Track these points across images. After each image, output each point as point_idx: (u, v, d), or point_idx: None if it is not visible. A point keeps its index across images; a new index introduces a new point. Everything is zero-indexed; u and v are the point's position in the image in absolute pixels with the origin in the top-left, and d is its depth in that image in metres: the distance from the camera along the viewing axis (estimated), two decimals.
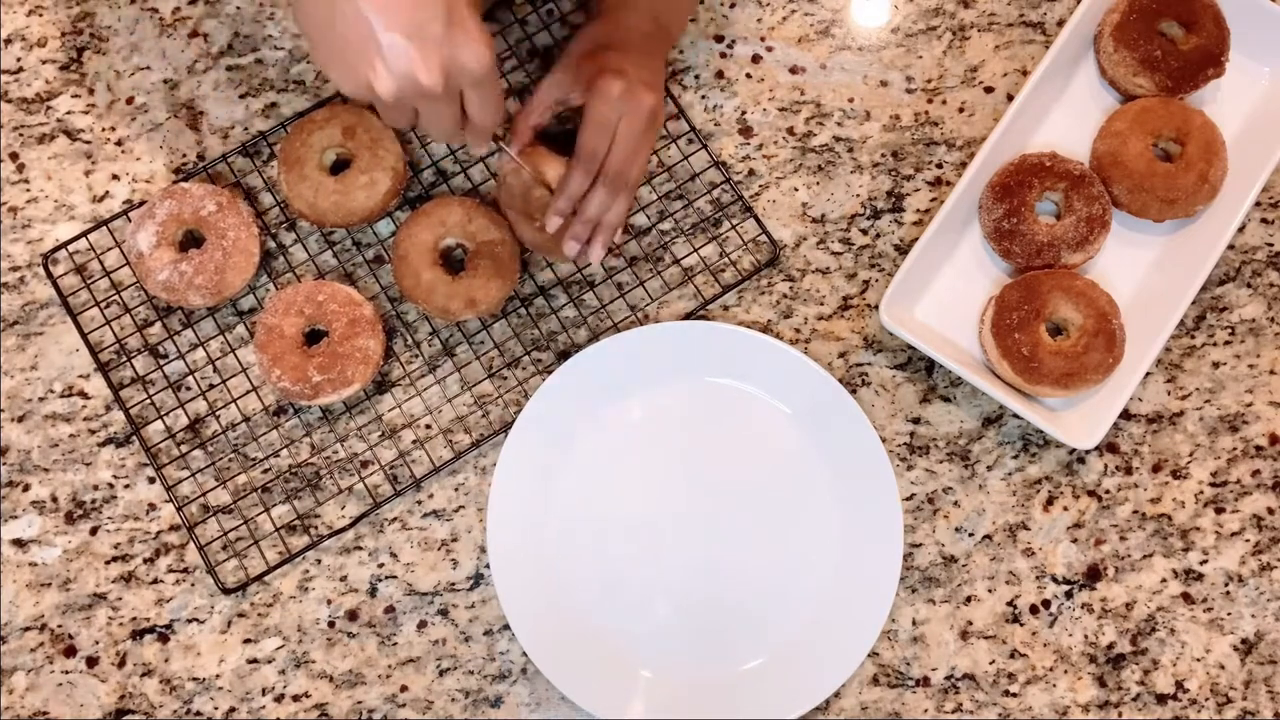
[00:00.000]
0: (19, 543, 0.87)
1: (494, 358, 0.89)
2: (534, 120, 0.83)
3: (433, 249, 0.86)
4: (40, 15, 0.94)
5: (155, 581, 0.86)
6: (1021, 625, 0.86)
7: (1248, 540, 0.87)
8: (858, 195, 0.92)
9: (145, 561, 0.87)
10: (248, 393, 0.88)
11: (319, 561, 0.87)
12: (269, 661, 0.86)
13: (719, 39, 0.94)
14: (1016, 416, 0.88)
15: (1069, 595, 0.87)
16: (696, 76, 0.93)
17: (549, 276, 0.90)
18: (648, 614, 0.86)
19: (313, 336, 0.87)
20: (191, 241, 0.88)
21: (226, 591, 0.85)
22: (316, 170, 0.87)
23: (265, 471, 0.88)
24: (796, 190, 0.92)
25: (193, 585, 0.86)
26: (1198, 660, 0.86)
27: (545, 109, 0.83)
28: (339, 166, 0.89)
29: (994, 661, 0.86)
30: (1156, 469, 0.88)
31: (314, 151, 0.87)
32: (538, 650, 0.84)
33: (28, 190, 0.91)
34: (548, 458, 0.87)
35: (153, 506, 0.87)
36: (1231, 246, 0.91)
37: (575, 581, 0.86)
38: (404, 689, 0.85)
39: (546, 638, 0.84)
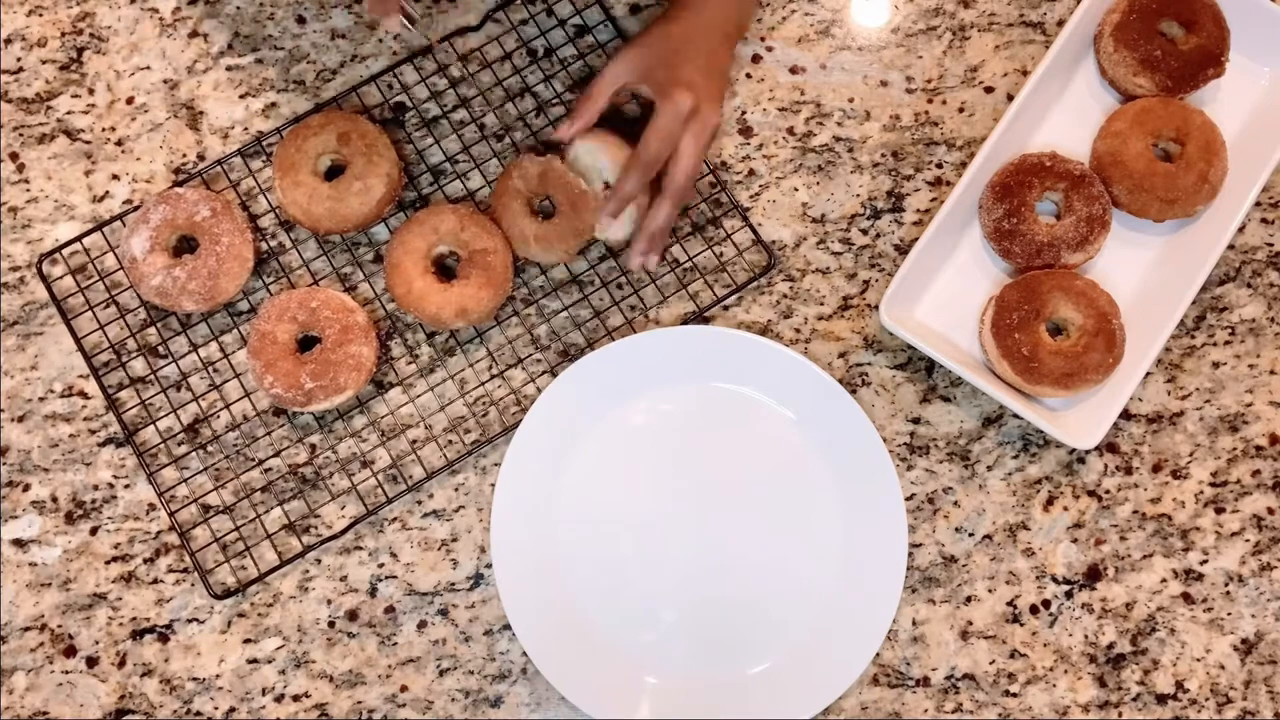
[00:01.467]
0: (19, 543, 0.87)
1: (491, 361, 0.89)
2: (599, 105, 0.85)
3: (425, 257, 0.86)
4: (40, 15, 0.94)
5: (155, 581, 0.87)
6: (1021, 625, 0.86)
7: (1248, 540, 0.87)
8: (858, 195, 0.92)
9: (145, 561, 0.87)
10: (245, 396, 0.88)
11: (319, 561, 0.87)
12: (269, 661, 0.86)
13: None
14: (1016, 416, 0.88)
15: (1069, 595, 0.87)
16: None
17: (545, 280, 0.90)
18: (650, 617, 0.86)
19: (306, 343, 0.87)
20: (185, 247, 0.88)
21: (218, 597, 0.85)
22: (311, 176, 0.87)
23: (265, 472, 0.88)
24: (796, 190, 0.92)
25: (192, 585, 0.86)
26: (1198, 660, 0.86)
27: (610, 92, 0.84)
28: (334, 172, 0.89)
29: (994, 661, 0.86)
30: (1156, 469, 0.88)
31: (308, 157, 0.87)
32: (539, 652, 0.84)
33: (28, 190, 0.91)
34: (552, 459, 0.87)
35: (152, 507, 0.87)
36: (1231, 246, 0.91)
37: (577, 583, 0.86)
38: (404, 689, 0.85)
39: (548, 639, 0.84)
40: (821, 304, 0.90)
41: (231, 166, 0.91)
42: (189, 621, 0.86)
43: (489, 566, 0.87)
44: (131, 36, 0.94)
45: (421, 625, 0.86)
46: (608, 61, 0.86)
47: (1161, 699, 0.85)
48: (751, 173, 0.92)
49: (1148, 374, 0.89)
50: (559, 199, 0.86)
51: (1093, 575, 0.87)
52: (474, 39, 0.94)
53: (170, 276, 0.85)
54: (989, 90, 0.93)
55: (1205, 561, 0.87)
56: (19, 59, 0.93)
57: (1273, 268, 0.91)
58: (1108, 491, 0.88)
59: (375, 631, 0.86)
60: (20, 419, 0.88)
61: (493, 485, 0.87)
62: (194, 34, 0.94)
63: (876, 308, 0.90)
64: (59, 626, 0.86)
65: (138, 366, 0.89)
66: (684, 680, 0.86)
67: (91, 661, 0.86)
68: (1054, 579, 0.87)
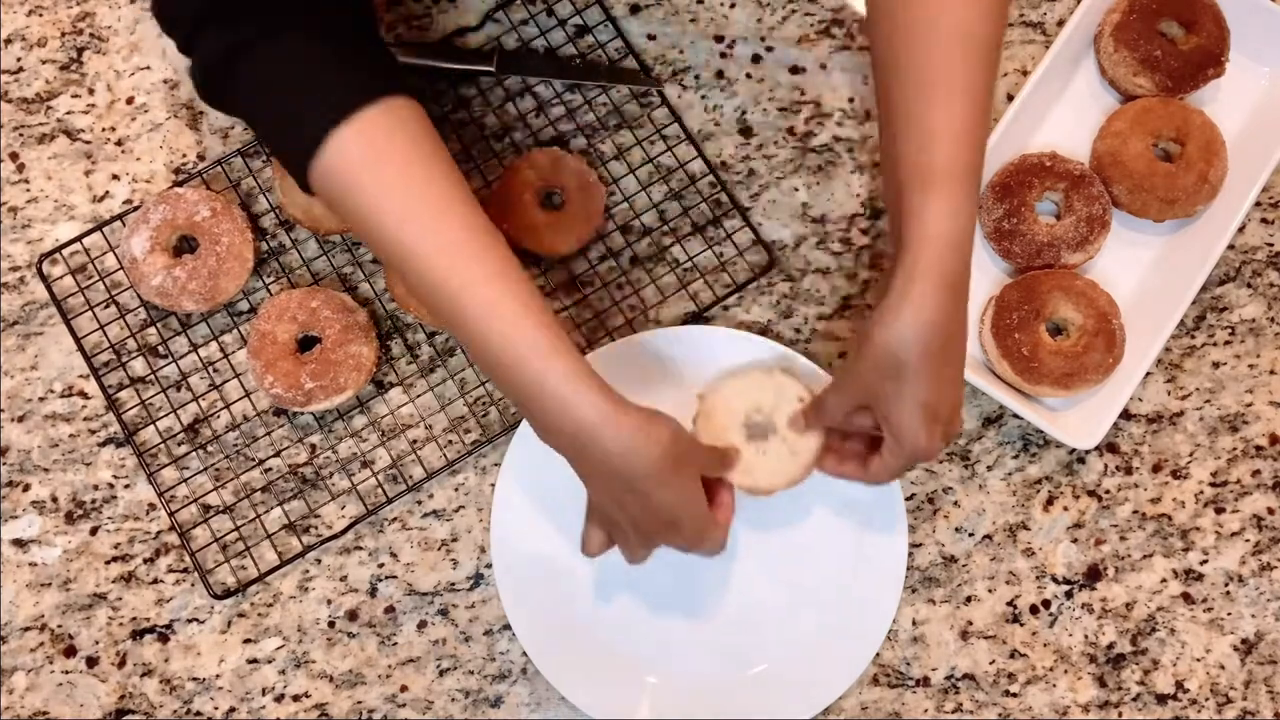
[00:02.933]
0: (19, 543, 0.87)
1: None
2: (822, 427, 0.78)
3: None
4: (40, 15, 0.94)
5: (155, 581, 0.87)
6: (1021, 625, 0.86)
7: (1248, 540, 0.87)
8: (858, 195, 0.92)
9: (145, 561, 0.87)
10: (245, 396, 0.88)
11: (319, 561, 0.87)
12: (269, 661, 0.86)
13: (719, 39, 0.94)
14: (1016, 416, 0.88)
15: (1069, 595, 0.87)
16: (696, 77, 0.93)
17: (545, 280, 0.90)
18: (651, 617, 0.86)
19: (306, 343, 0.87)
20: (186, 247, 0.88)
21: (218, 597, 0.85)
22: None
23: (265, 472, 0.88)
24: (796, 190, 0.92)
25: (192, 585, 0.86)
26: (1198, 660, 0.86)
27: (835, 420, 0.77)
28: None
29: (994, 661, 0.86)
30: (1156, 469, 0.88)
31: None
32: (539, 652, 0.84)
33: (28, 190, 0.91)
34: (552, 459, 0.87)
35: (153, 507, 0.87)
36: (1231, 246, 0.91)
37: (577, 584, 0.86)
38: (404, 689, 0.85)
39: (548, 639, 0.84)
40: (821, 304, 0.90)
41: (231, 166, 0.91)
42: (189, 621, 0.86)
43: (489, 566, 0.87)
44: (131, 36, 0.93)
45: (421, 625, 0.86)
46: (831, 384, 0.76)
47: (1161, 699, 0.85)
48: (751, 173, 0.92)
49: (1148, 374, 0.89)
50: (569, 186, 0.87)
51: (1093, 575, 0.87)
52: (474, 39, 0.94)
53: (170, 276, 0.85)
54: None
55: (1205, 561, 0.87)
56: (19, 59, 0.93)
57: (1273, 268, 0.91)
58: (1108, 491, 0.88)
59: (375, 631, 0.86)
60: (20, 419, 0.88)
61: (493, 485, 0.87)
62: None
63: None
64: (59, 626, 0.86)
65: (138, 366, 0.89)
66: (684, 680, 0.86)
67: (91, 661, 0.86)
68: (1054, 579, 0.87)
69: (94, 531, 0.87)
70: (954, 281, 0.67)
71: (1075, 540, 0.87)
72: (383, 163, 0.67)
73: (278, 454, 0.88)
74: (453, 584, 0.87)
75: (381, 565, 0.87)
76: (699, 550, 0.75)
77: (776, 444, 0.82)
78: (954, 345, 0.69)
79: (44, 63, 0.93)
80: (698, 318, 0.90)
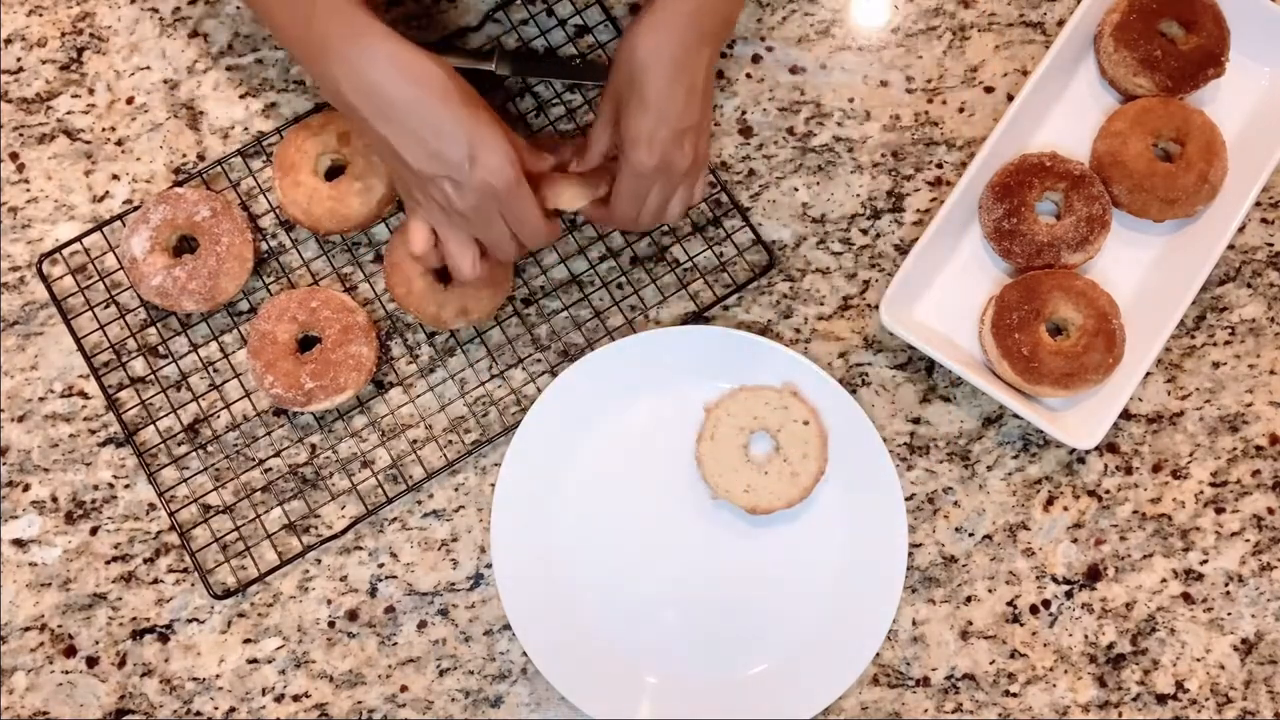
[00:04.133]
0: (19, 543, 0.87)
1: (491, 361, 0.89)
2: (596, 154, 0.79)
3: None
4: (40, 15, 0.94)
5: (155, 581, 0.87)
6: (1021, 625, 0.86)
7: (1248, 540, 0.87)
8: (858, 195, 0.92)
9: (145, 561, 0.87)
10: (245, 396, 0.88)
11: (319, 561, 0.87)
12: (269, 661, 0.86)
13: None
14: (1016, 416, 0.88)
15: (1069, 595, 0.87)
16: None
17: (545, 280, 0.90)
18: (650, 617, 0.86)
19: (306, 343, 0.87)
20: (186, 247, 0.88)
21: (218, 597, 0.85)
22: (311, 176, 0.87)
23: (265, 472, 0.88)
24: (796, 190, 0.92)
25: (192, 585, 0.86)
26: (1198, 660, 0.86)
27: (602, 141, 0.78)
28: (334, 172, 0.89)
29: (994, 661, 0.86)
30: (1156, 469, 0.88)
31: (308, 157, 0.87)
32: (539, 652, 0.84)
33: (28, 190, 0.91)
34: (552, 459, 0.87)
35: (153, 506, 0.87)
36: (1231, 246, 0.91)
37: (577, 583, 0.86)
38: (404, 689, 0.85)
39: (548, 639, 0.84)
40: (821, 304, 0.90)
41: (231, 166, 0.91)
42: (189, 621, 0.86)
43: (489, 566, 0.87)
44: (131, 36, 0.94)
45: (421, 625, 0.86)
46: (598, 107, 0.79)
47: (1161, 699, 0.85)
48: (751, 173, 0.92)
49: (1148, 374, 0.89)
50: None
51: (1093, 575, 0.87)
52: (474, 39, 0.94)
53: (170, 276, 0.85)
54: (989, 90, 0.93)
55: (1205, 561, 0.87)
56: (19, 59, 0.93)
57: (1273, 268, 0.91)
58: (1108, 491, 0.88)
59: (375, 631, 0.86)
60: (20, 419, 0.88)
61: (493, 485, 0.87)
62: (194, 34, 0.94)
63: (876, 308, 0.90)
64: (59, 626, 0.86)
65: (138, 366, 0.89)
66: (684, 680, 0.86)
67: (91, 661, 0.86)
68: (1054, 579, 0.87)
69: (94, 531, 0.87)
70: (697, 12, 0.73)
71: (1075, 540, 0.87)
72: None
73: (278, 454, 0.88)
74: (453, 584, 0.87)
75: (381, 565, 0.87)
76: (516, 219, 0.74)
77: (779, 465, 0.85)
78: (687, 70, 0.73)
79: (44, 63, 0.93)
80: (698, 318, 0.90)
